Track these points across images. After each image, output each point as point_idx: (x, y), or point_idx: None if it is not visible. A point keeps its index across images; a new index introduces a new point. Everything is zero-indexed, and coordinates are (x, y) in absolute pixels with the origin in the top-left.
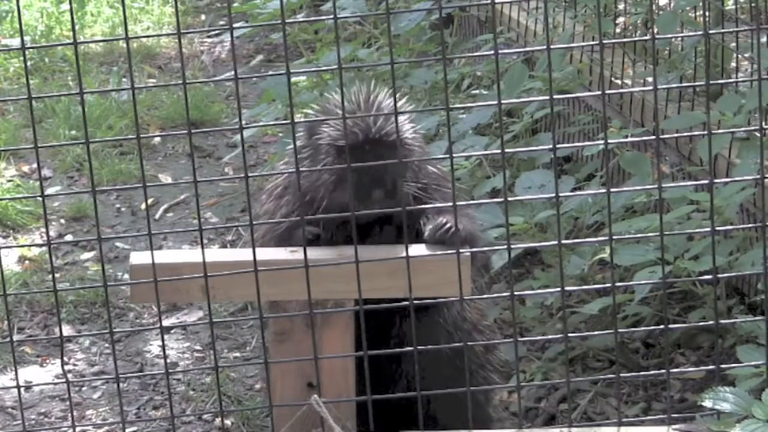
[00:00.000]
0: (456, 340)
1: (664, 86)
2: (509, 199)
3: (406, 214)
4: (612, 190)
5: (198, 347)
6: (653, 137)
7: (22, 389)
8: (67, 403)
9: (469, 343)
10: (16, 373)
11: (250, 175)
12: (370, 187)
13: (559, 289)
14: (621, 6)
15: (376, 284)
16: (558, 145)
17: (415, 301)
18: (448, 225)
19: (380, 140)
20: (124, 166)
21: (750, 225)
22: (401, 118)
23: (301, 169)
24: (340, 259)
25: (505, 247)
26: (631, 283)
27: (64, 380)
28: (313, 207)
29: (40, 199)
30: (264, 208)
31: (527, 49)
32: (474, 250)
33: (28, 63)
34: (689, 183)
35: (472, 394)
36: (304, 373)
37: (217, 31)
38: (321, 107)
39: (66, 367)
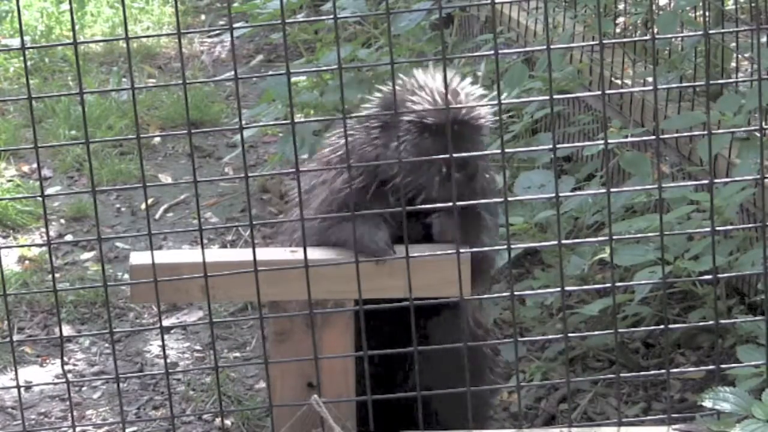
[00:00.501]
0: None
1: (664, 86)
2: (509, 199)
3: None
4: (612, 190)
5: (198, 347)
6: (653, 137)
7: (22, 389)
8: (67, 403)
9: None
10: (16, 373)
11: (250, 175)
12: (454, 168)
13: (559, 289)
14: (621, 6)
15: (376, 284)
16: (558, 145)
17: (434, 301)
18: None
19: (468, 122)
20: (124, 166)
21: (750, 225)
22: (477, 101)
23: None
24: (340, 259)
25: (505, 247)
26: (631, 283)
27: (64, 380)
28: (376, 181)
29: (40, 199)
30: (321, 178)
31: (527, 49)
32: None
33: (28, 63)
34: (689, 183)
35: (482, 395)
36: (304, 373)
37: (217, 31)
38: (405, 83)
39: (66, 367)
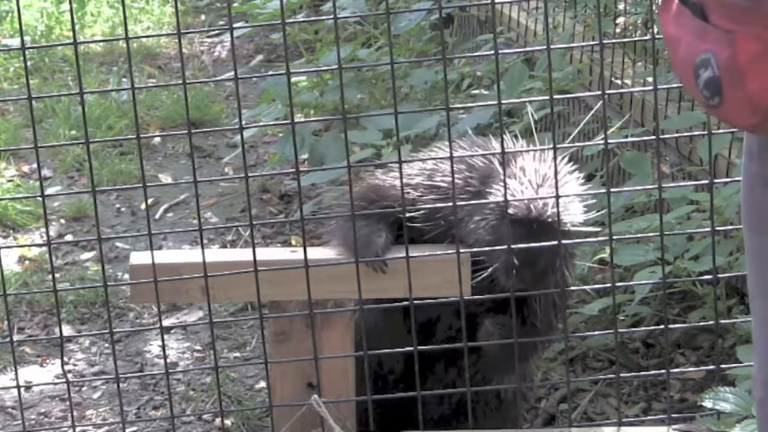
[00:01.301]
0: None
1: (664, 86)
2: (509, 199)
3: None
4: (612, 190)
5: (198, 347)
6: (653, 137)
7: (22, 389)
8: (67, 403)
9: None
10: (16, 373)
11: (250, 175)
12: (522, 266)
13: (559, 289)
14: (621, 6)
15: (376, 284)
16: (558, 145)
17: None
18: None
19: (546, 223)
20: (124, 166)
21: None
22: (575, 204)
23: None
24: (340, 259)
25: (506, 247)
26: (631, 283)
27: (64, 380)
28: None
29: (40, 199)
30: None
31: (527, 49)
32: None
33: (28, 63)
34: (689, 183)
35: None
36: (304, 373)
37: (217, 31)
38: (494, 167)
39: (66, 367)
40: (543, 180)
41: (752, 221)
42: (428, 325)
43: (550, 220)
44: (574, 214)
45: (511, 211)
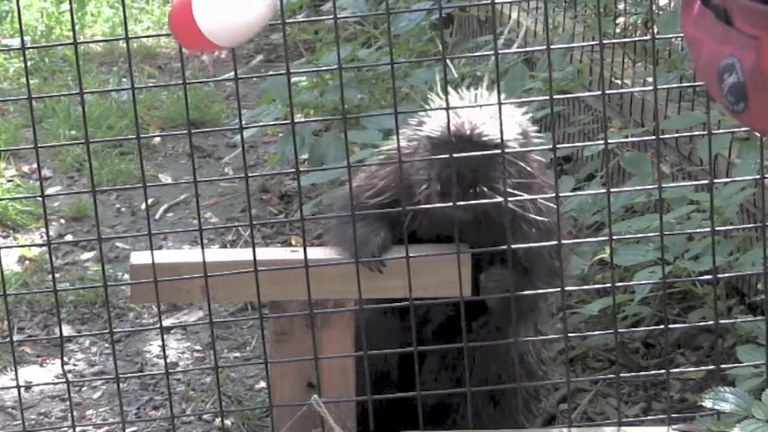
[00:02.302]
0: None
1: (664, 86)
2: (509, 199)
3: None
4: (612, 190)
5: (198, 347)
6: (653, 137)
7: (22, 389)
8: (67, 403)
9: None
10: (16, 373)
11: (250, 175)
12: (449, 184)
13: (559, 289)
14: (621, 6)
15: (376, 284)
16: (558, 145)
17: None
18: (497, 277)
19: (471, 139)
20: (124, 166)
21: (750, 225)
22: (507, 121)
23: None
24: (340, 259)
25: (506, 247)
26: (631, 283)
27: (64, 380)
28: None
29: (40, 199)
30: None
31: (527, 49)
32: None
33: (28, 63)
34: (689, 183)
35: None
36: (304, 373)
37: None
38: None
39: (66, 367)
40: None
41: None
42: (421, 318)
43: (470, 134)
44: (507, 131)
45: (433, 135)
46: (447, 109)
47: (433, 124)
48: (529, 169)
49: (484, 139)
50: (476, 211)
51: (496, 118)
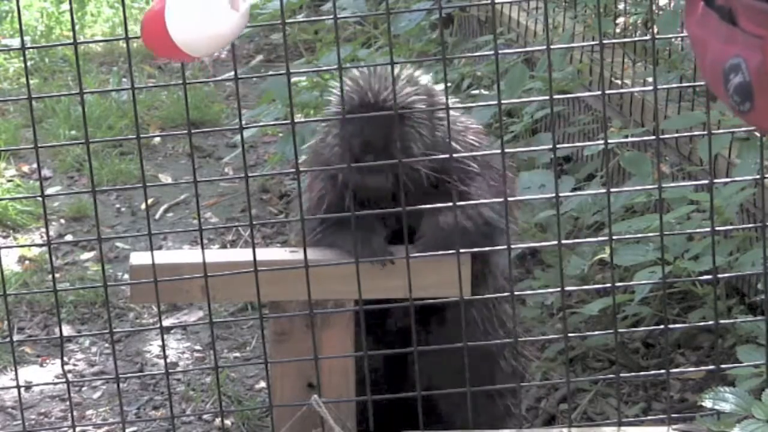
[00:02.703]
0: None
1: (664, 86)
2: (509, 199)
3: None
4: (612, 190)
5: (198, 347)
6: (653, 137)
7: (22, 389)
8: (67, 403)
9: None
10: (16, 373)
11: (250, 175)
12: (362, 153)
13: (559, 289)
14: (621, 6)
15: (376, 284)
16: (558, 145)
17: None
18: (445, 227)
19: (376, 105)
20: (124, 166)
21: (750, 225)
22: (408, 86)
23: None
24: (340, 259)
25: (505, 247)
26: (631, 283)
27: (64, 380)
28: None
29: (40, 199)
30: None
31: (527, 49)
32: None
33: (28, 63)
34: (689, 183)
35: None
36: (303, 373)
37: None
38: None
39: (66, 367)
40: (374, 74)
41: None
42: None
43: (374, 101)
44: (405, 92)
45: (335, 109)
46: (447, 109)
47: (337, 99)
48: (442, 125)
49: (389, 103)
50: (394, 174)
51: (397, 80)
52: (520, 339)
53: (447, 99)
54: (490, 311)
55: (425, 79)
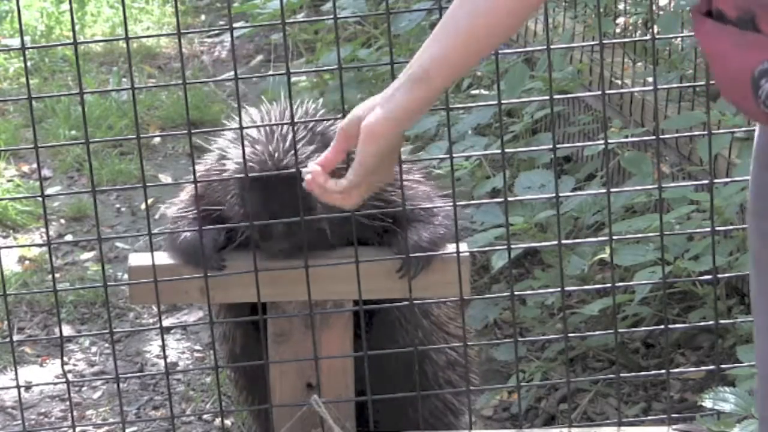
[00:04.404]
0: (412, 341)
1: (664, 86)
2: (509, 199)
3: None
4: (612, 190)
5: (198, 347)
6: (653, 137)
7: (22, 389)
8: (67, 403)
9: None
10: (16, 373)
11: (250, 174)
12: (271, 227)
13: (559, 289)
14: (621, 6)
15: (375, 285)
16: (558, 145)
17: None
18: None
19: (278, 169)
20: (124, 166)
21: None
22: (307, 145)
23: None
24: (341, 259)
25: (505, 247)
26: (631, 283)
27: (64, 380)
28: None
29: (40, 199)
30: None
31: (527, 49)
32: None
33: (28, 63)
34: (689, 183)
35: (428, 401)
36: (303, 373)
37: (217, 31)
38: (234, 135)
39: (66, 367)
40: (269, 131)
41: None
42: None
43: (277, 168)
44: (306, 154)
45: (239, 176)
46: (447, 109)
47: (235, 163)
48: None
49: (291, 168)
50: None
51: (288, 139)
52: (521, 339)
53: (447, 100)
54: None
55: (317, 120)
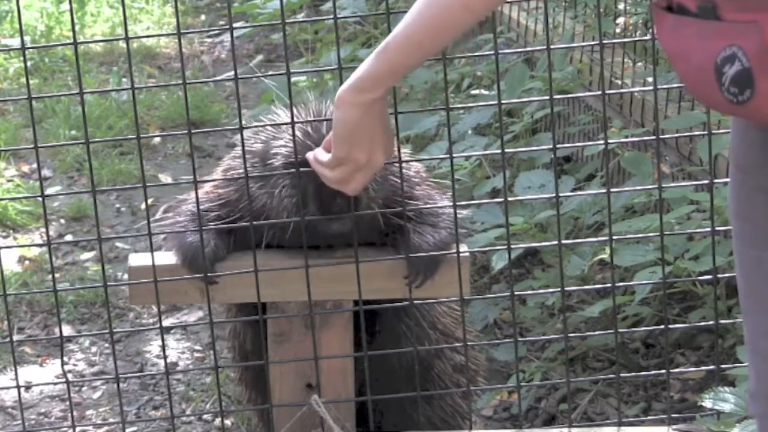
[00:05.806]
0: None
1: (664, 86)
2: (509, 199)
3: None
4: (612, 190)
5: (198, 347)
6: (653, 137)
7: (22, 389)
8: (67, 403)
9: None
10: (16, 373)
11: (250, 175)
12: (331, 198)
13: (559, 289)
14: (621, 6)
15: (375, 285)
16: (558, 145)
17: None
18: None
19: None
20: (124, 166)
21: None
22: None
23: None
24: (341, 260)
25: (505, 247)
26: (631, 283)
27: (64, 380)
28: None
29: (40, 199)
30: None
31: (527, 49)
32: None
33: (28, 63)
34: (689, 183)
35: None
36: (303, 374)
37: (217, 31)
38: (263, 132)
39: (66, 367)
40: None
41: (750, 234)
42: None
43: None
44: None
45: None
46: (447, 109)
47: (285, 149)
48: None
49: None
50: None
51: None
52: (521, 339)
53: (447, 100)
54: (423, 314)
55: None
